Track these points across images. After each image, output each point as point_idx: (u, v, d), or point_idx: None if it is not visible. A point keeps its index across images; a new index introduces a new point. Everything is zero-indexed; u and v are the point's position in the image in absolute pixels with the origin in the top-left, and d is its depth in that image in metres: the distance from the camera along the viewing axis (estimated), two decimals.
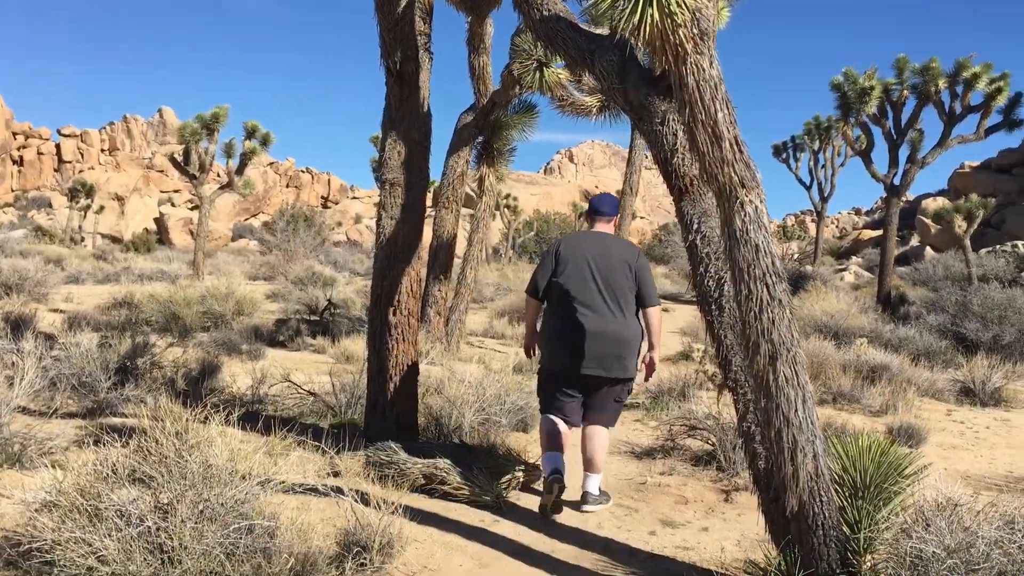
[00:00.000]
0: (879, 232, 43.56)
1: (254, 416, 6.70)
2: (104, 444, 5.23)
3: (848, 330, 11.71)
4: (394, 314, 5.56)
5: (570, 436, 4.94)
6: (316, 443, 5.24)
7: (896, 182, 19.52)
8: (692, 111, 3.22)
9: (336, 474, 5.08)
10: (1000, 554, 2.85)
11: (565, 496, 4.81)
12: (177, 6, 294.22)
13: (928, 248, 35.50)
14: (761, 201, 3.32)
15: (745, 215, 3.27)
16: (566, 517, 4.77)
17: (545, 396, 5.00)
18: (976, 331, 11.51)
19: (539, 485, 5.05)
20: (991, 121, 18.87)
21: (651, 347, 4.95)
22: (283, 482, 4.40)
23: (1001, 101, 18.35)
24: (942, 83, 18.63)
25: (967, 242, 23.32)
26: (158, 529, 3.47)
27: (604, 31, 4.46)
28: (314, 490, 4.39)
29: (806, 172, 31.27)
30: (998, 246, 32.71)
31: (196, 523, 3.55)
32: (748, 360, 3.31)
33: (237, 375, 7.79)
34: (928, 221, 36.73)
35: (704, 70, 3.18)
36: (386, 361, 5.57)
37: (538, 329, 5.18)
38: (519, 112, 10.73)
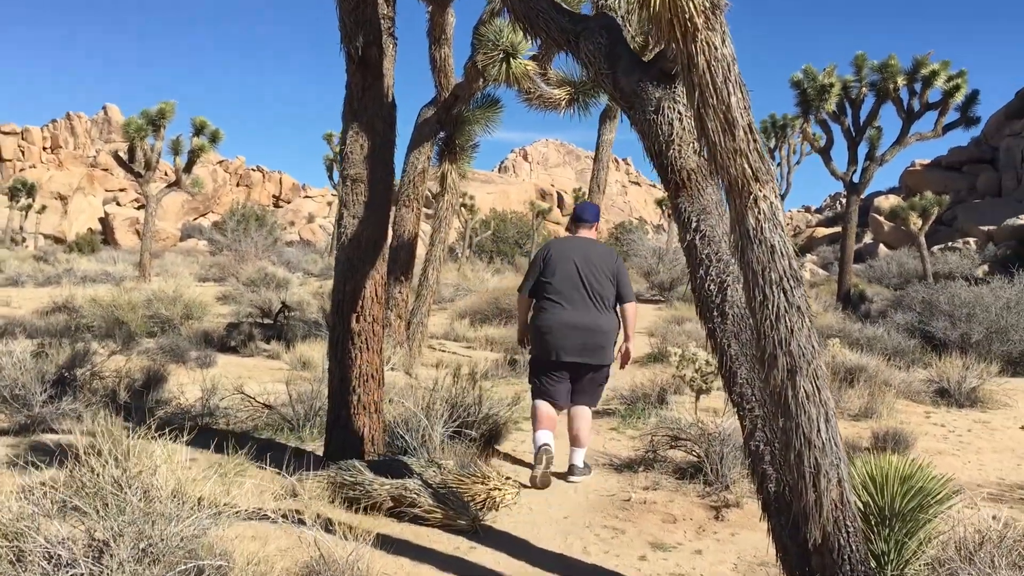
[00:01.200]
0: (833, 230, 44.02)
1: (205, 431, 6.21)
2: (35, 467, 4.74)
3: (816, 329, 11.50)
4: (357, 321, 5.13)
5: (556, 420, 5.54)
6: (274, 466, 4.79)
7: (855, 179, 19.52)
8: (702, 95, 2.86)
9: (296, 496, 4.64)
10: None
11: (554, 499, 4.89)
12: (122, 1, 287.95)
13: (882, 245, 35.87)
14: (776, 196, 2.98)
15: (759, 212, 2.93)
16: (548, 542, 4.39)
17: (536, 383, 5.59)
18: (944, 330, 11.40)
19: (529, 458, 5.59)
20: (948, 118, 18.97)
21: (627, 338, 5.65)
22: (238, 510, 3.95)
23: (959, 98, 18.45)
24: (900, 80, 18.67)
25: (922, 239, 23.50)
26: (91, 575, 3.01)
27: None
28: (272, 518, 3.96)
29: None
30: (950, 243, 33.18)
31: (136, 565, 3.11)
32: (763, 374, 2.96)
33: (185, 385, 7.28)
34: (881, 218, 37.13)
35: (716, 48, 2.82)
36: (349, 372, 5.14)
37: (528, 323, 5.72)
38: (482, 107, 10.30)
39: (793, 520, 3.02)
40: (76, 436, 5.44)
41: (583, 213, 5.77)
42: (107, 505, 3.22)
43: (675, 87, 3.62)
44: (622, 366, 5.74)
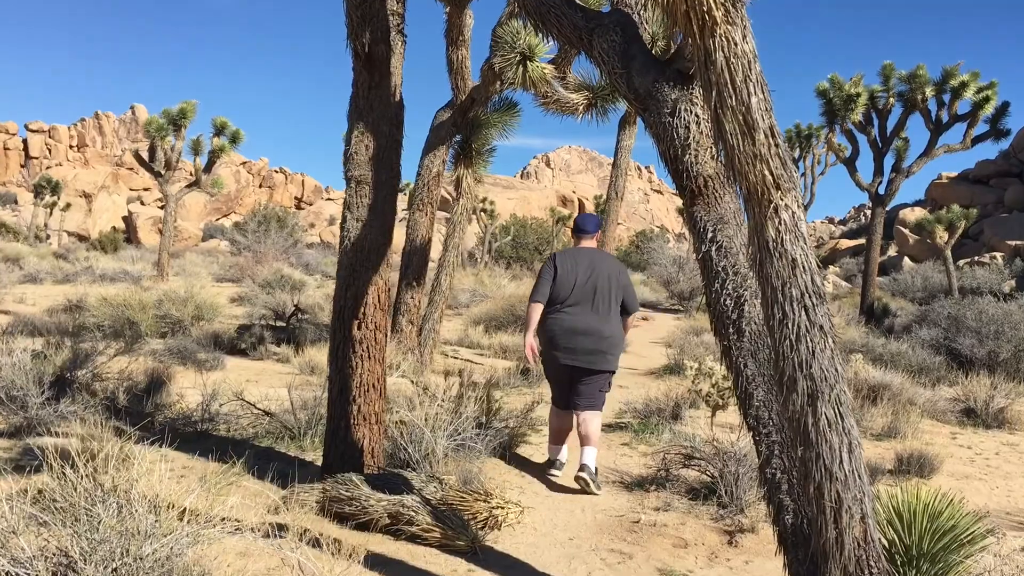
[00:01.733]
0: (856, 242, 43.44)
1: (204, 437, 6.06)
2: (18, 473, 4.58)
3: (838, 344, 11.20)
4: (359, 328, 4.94)
5: (570, 432, 5.84)
6: (271, 477, 4.61)
7: (881, 191, 19.15)
8: (720, 95, 2.64)
9: (289, 510, 4.45)
10: None
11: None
12: (155, 3, 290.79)
13: (906, 258, 35.32)
14: (799, 206, 2.75)
15: (780, 222, 2.70)
16: (551, 567, 4.16)
17: (552, 387, 5.90)
18: (971, 347, 11.05)
19: (536, 473, 5.80)
20: (978, 130, 18.55)
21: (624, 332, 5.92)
22: (225, 522, 3.75)
23: (988, 110, 18.01)
24: (929, 91, 18.29)
25: (948, 253, 23.05)
26: None
27: None
28: (262, 532, 3.76)
29: None
30: (976, 257, 32.61)
31: None
32: (781, 398, 2.74)
33: (188, 389, 7.11)
34: (906, 231, 36.59)
35: (736, 44, 2.60)
36: (349, 381, 4.94)
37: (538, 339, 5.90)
38: (499, 110, 10.11)
39: (812, 557, 2.79)
40: (71, 440, 5.30)
41: (584, 225, 6.00)
42: (79, 521, 3.04)
43: (692, 88, 3.41)
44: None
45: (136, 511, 3.18)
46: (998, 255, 32.08)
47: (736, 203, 3.34)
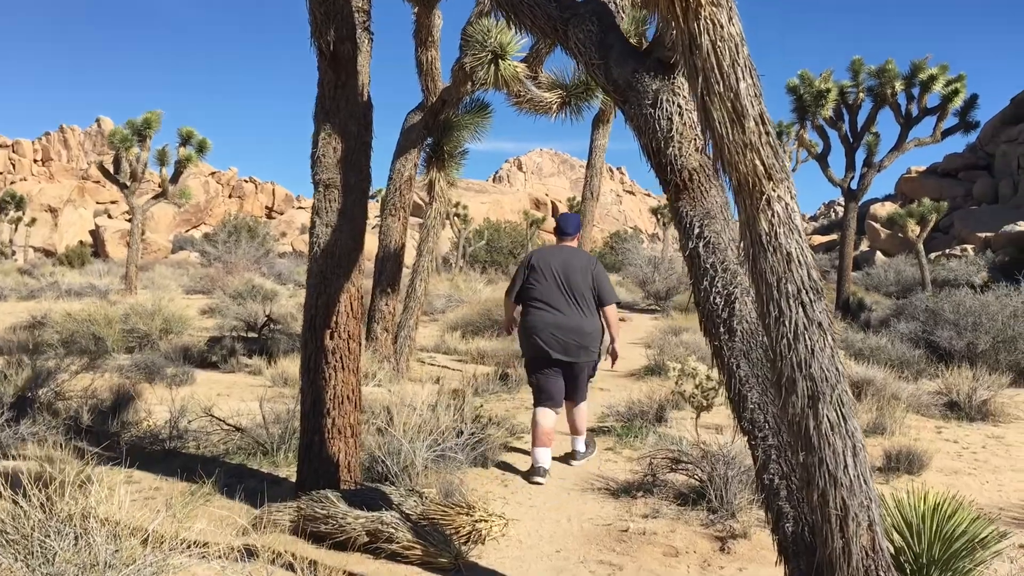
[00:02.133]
0: (828, 238, 43.72)
1: (173, 455, 5.83)
2: None
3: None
4: (331, 338, 4.74)
5: (554, 434, 5.84)
6: (243, 496, 4.40)
7: (853, 186, 19.19)
8: (706, 81, 2.49)
9: (261, 531, 4.24)
10: None
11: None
12: (120, 15, 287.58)
13: (879, 253, 35.57)
14: (792, 197, 2.61)
15: (773, 215, 2.56)
16: None
17: (533, 382, 5.99)
18: (950, 339, 11.02)
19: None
20: (947, 123, 18.66)
21: (612, 339, 6.05)
22: (193, 547, 3.54)
23: (957, 103, 18.13)
24: (898, 85, 18.36)
25: (920, 246, 23.20)
26: None
27: None
28: (232, 557, 3.56)
29: None
30: (947, 250, 32.91)
31: None
32: (779, 401, 2.59)
33: (155, 406, 6.87)
34: (878, 226, 36.88)
35: (722, 27, 2.45)
36: (323, 393, 4.74)
37: (516, 325, 6.22)
38: (471, 111, 9.94)
39: (816, 568, 2.63)
40: (29, 464, 5.06)
41: (566, 227, 6.19)
42: (32, 554, 2.83)
43: (674, 78, 3.27)
44: (612, 365, 6.17)
45: (94, 540, 2.97)
46: (969, 247, 32.38)
47: (723, 197, 3.20)
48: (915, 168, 43.14)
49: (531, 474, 5.68)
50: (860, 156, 19.25)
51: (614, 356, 6.07)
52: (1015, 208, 34.69)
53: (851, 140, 19.30)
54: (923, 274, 22.82)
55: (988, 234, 32.29)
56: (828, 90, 18.60)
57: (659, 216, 43.32)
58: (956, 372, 8.92)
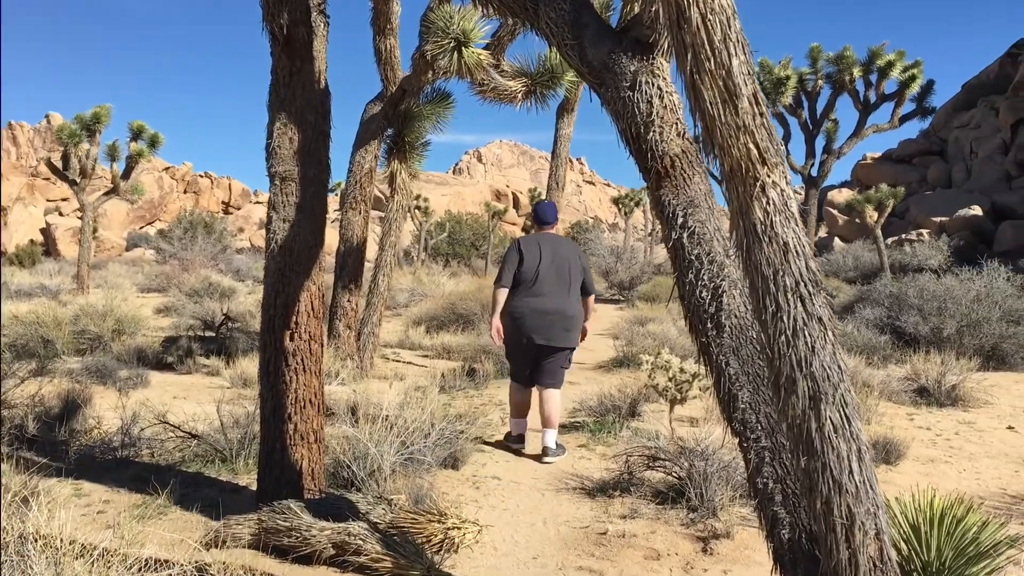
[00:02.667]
0: None
1: (126, 464, 5.53)
2: None
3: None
4: (291, 339, 4.49)
5: (529, 407, 6.20)
6: (200, 507, 4.14)
7: (814, 173, 19.28)
8: (696, 58, 2.30)
9: (220, 546, 3.99)
10: None
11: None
12: (67, 8, 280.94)
13: (836, 239, 35.90)
14: (787, 183, 2.43)
15: (768, 202, 2.38)
16: None
17: (512, 364, 6.22)
18: (915, 324, 11.04)
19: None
20: (905, 109, 18.81)
21: (585, 319, 6.25)
22: (145, 566, 3.28)
23: (915, 89, 18.29)
24: (856, 72, 18.47)
25: (879, 232, 23.39)
26: None
27: None
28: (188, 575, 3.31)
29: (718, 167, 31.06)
30: (903, 235, 33.31)
31: None
32: (778, 402, 2.41)
33: (107, 412, 6.55)
34: (835, 212, 37.23)
35: None
36: (283, 397, 4.49)
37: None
38: (432, 101, 9.68)
39: None
40: None
41: (544, 216, 6.30)
42: None
43: (653, 59, 3.08)
44: (580, 339, 6.24)
45: (33, 564, 2.71)
46: (924, 231, 32.79)
47: (707, 184, 3.02)
48: (870, 155, 43.61)
49: (510, 441, 6.24)
50: (820, 143, 19.38)
51: (583, 334, 6.26)
52: (968, 192, 35.21)
53: (811, 127, 19.40)
54: (881, 259, 23.01)
55: (943, 218, 32.73)
56: (787, 77, 18.66)
57: (620, 206, 43.27)
58: (924, 357, 8.91)
